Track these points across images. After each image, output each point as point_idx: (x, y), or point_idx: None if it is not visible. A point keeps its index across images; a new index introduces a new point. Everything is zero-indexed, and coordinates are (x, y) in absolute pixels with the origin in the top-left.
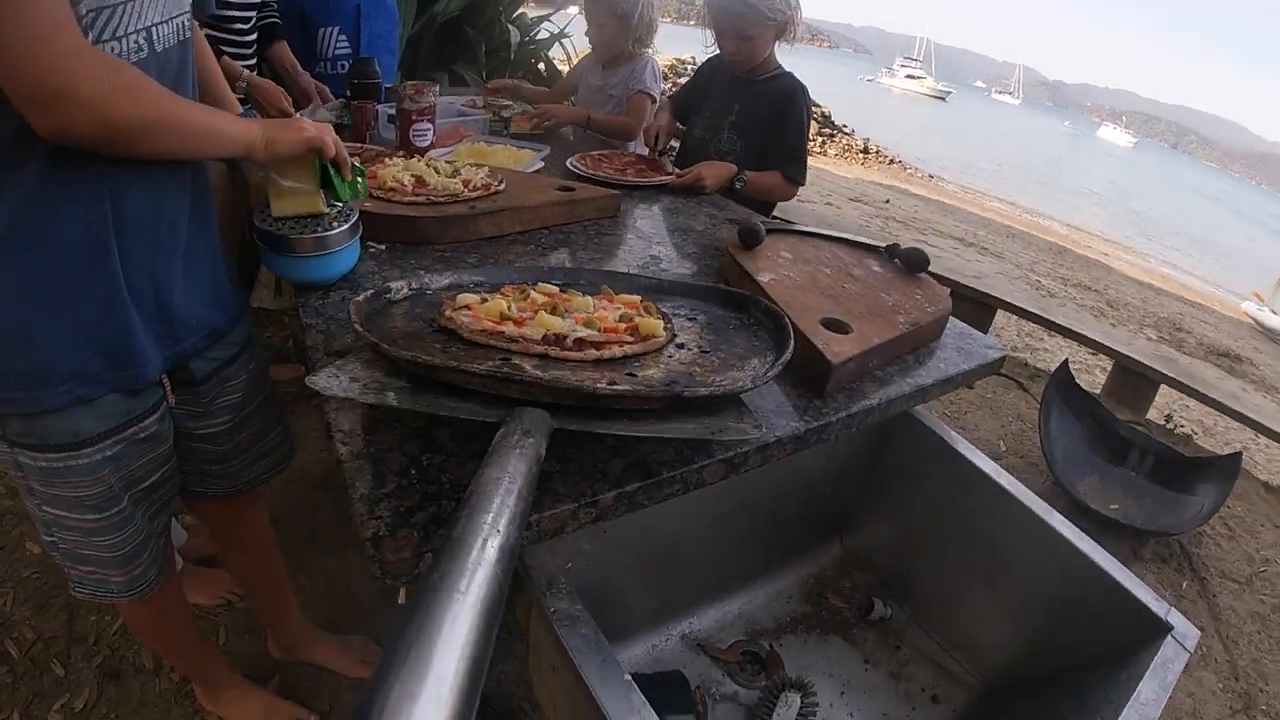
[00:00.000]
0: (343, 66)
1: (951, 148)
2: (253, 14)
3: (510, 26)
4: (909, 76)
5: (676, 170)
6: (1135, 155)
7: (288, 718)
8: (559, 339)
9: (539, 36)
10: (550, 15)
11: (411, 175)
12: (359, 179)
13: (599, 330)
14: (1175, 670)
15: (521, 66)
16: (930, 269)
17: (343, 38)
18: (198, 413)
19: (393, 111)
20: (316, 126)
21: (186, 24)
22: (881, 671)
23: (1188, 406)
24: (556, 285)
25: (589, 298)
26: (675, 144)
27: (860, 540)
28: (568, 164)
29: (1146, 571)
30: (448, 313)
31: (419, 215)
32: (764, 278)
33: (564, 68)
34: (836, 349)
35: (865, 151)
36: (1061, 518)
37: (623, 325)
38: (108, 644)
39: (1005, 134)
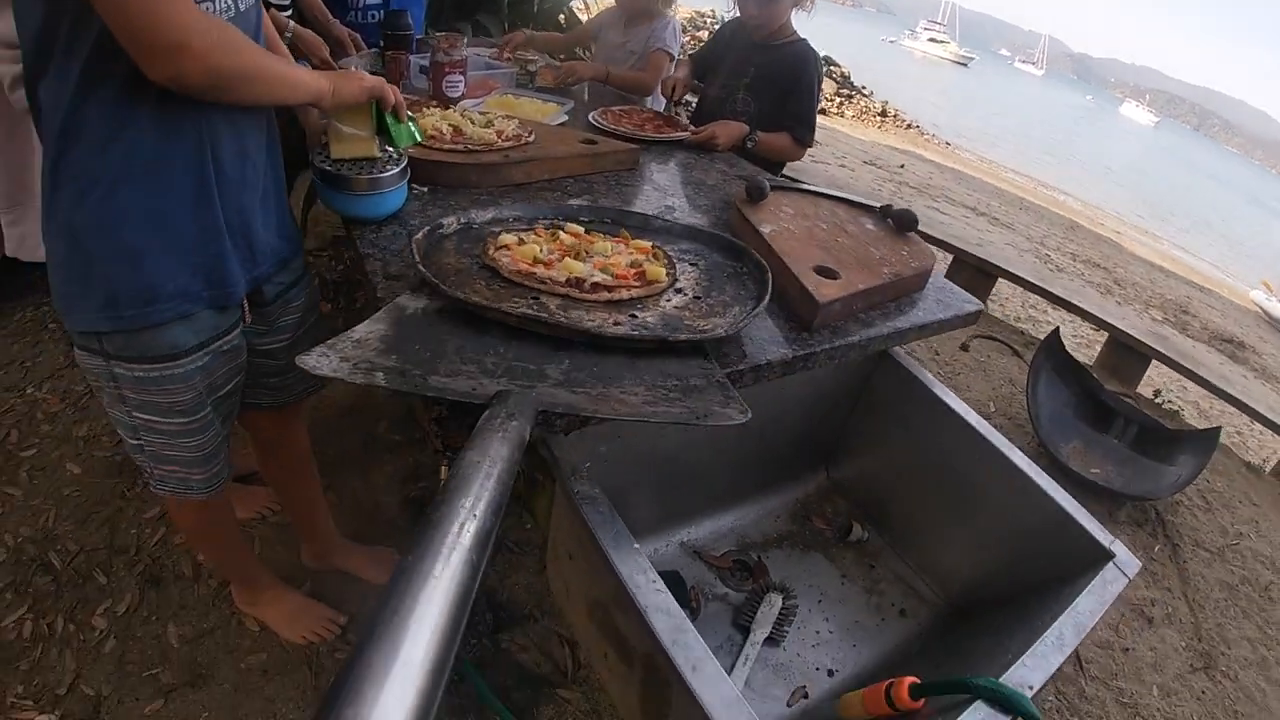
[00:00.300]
0: (373, 16)
1: (970, 115)
2: None
3: None
4: (931, 40)
5: (692, 128)
6: (1156, 135)
7: (319, 617)
8: (579, 282)
9: None
10: None
11: (449, 125)
12: (412, 124)
13: (612, 276)
14: (1114, 591)
15: (544, 18)
16: (937, 235)
17: None
18: (263, 330)
19: (425, 63)
20: (375, 79)
21: None
22: (857, 586)
23: (1185, 388)
24: (581, 225)
25: (608, 241)
26: (691, 100)
27: (844, 471)
28: (590, 118)
29: (1120, 533)
30: (490, 252)
31: (458, 162)
32: (765, 229)
33: (584, 18)
34: (824, 291)
35: (883, 114)
36: (1022, 455)
37: (632, 271)
38: (148, 554)
39: (1026, 104)
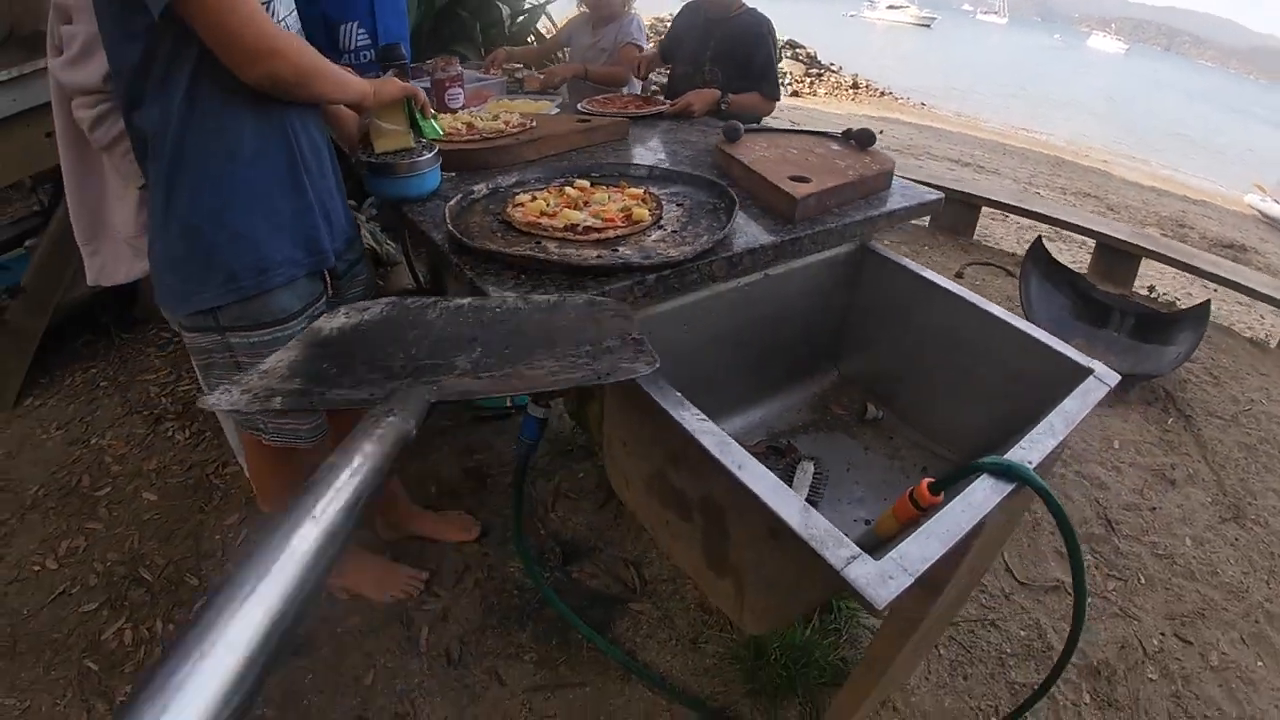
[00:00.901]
0: (364, 56)
1: (940, 74)
2: None
3: (501, 5)
4: (890, 7)
5: (669, 101)
6: (1128, 62)
7: (404, 576)
8: (574, 227)
9: (525, 7)
10: None
11: (463, 123)
12: (434, 121)
13: (601, 221)
14: (1095, 396)
15: (515, 40)
16: (917, 179)
17: (362, 31)
18: (334, 301)
19: (425, 85)
20: (405, 83)
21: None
22: (879, 454)
23: (1189, 292)
24: (588, 181)
25: (607, 192)
26: (658, 83)
27: (854, 365)
28: (578, 107)
29: (1132, 412)
30: (508, 209)
31: (477, 149)
32: (745, 158)
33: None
34: (801, 190)
35: (855, 87)
36: (1000, 308)
37: (621, 214)
38: (234, 556)
39: (994, 55)
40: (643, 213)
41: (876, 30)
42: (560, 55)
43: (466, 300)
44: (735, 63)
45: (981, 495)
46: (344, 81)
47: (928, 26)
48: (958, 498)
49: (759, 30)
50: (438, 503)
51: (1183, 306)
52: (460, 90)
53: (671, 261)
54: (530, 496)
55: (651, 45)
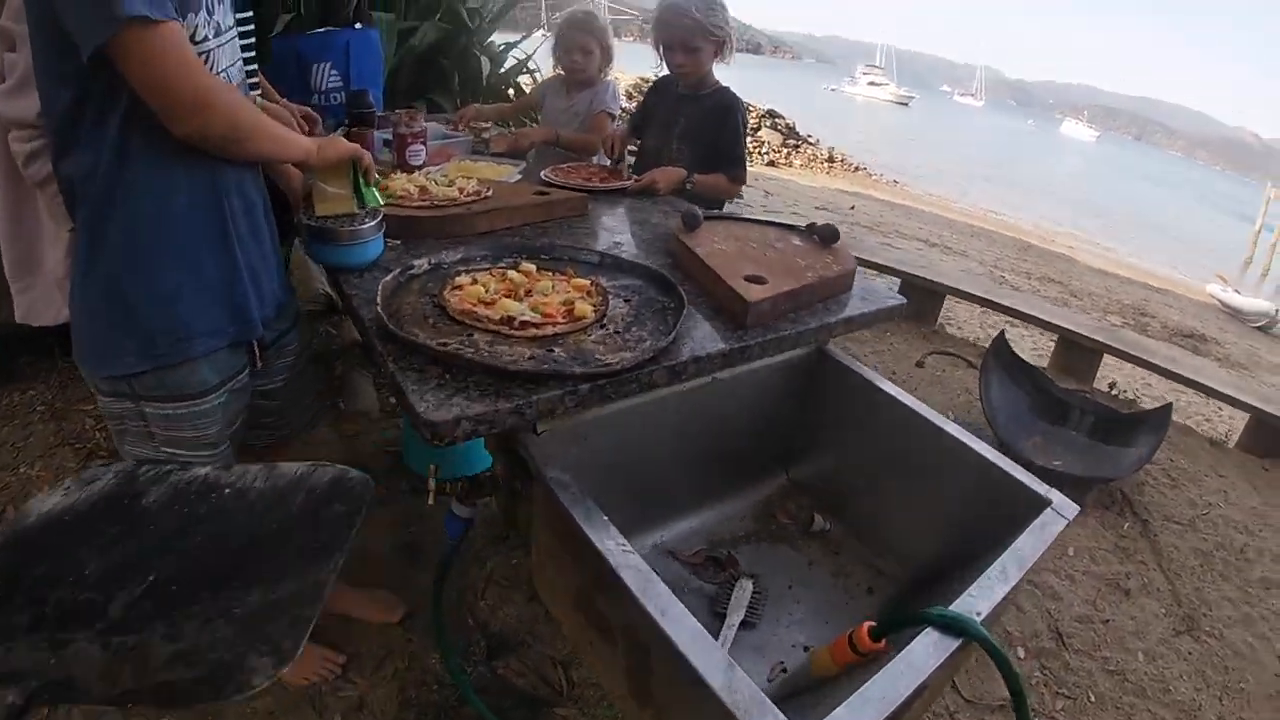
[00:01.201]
0: (334, 98)
1: (915, 153)
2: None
3: (481, 57)
4: (871, 84)
5: (635, 176)
6: (1099, 149)
7: (320, 658)
8: (509, 321)
9: (507, 65)
10: (519, 42)
11: (416, 186)
12: (376, 189)
13: (540, 315)
14: (1052, 531)
15: (492, 93)
16: (882, 262)
17: (334, 72)
18: (261, 372)
19: (388, 136)
20: (352, 143)
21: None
22: (824, 570)
23: (1142, 379)
24: (534, 265)
25: (549, 281)
26: (633, 157)
27: (803, 471)
28: (541, 175)
29: (1089, 517)
30: (444, 292)
31: (426, 216)
32: (700, 250)
33: (528, 90)
34: (755, 293)
35: (830, 160)
36: (957, 426)
37: (562, 308)
38: None
39: (969, 136)
40: (586, 309)
41: (856, 105)
42: (532, 115)
43: (202, 473)
44: (703, 142)
45: (924, 653)
46: (284, 139)
47: (906, 105)
48: (899, 656)
49: (729, 110)
50: (363, 579)
51: (1145, 405)
52: (423, 147)
53: (608, 370)
54: (460, 580)
55: (622, 118)
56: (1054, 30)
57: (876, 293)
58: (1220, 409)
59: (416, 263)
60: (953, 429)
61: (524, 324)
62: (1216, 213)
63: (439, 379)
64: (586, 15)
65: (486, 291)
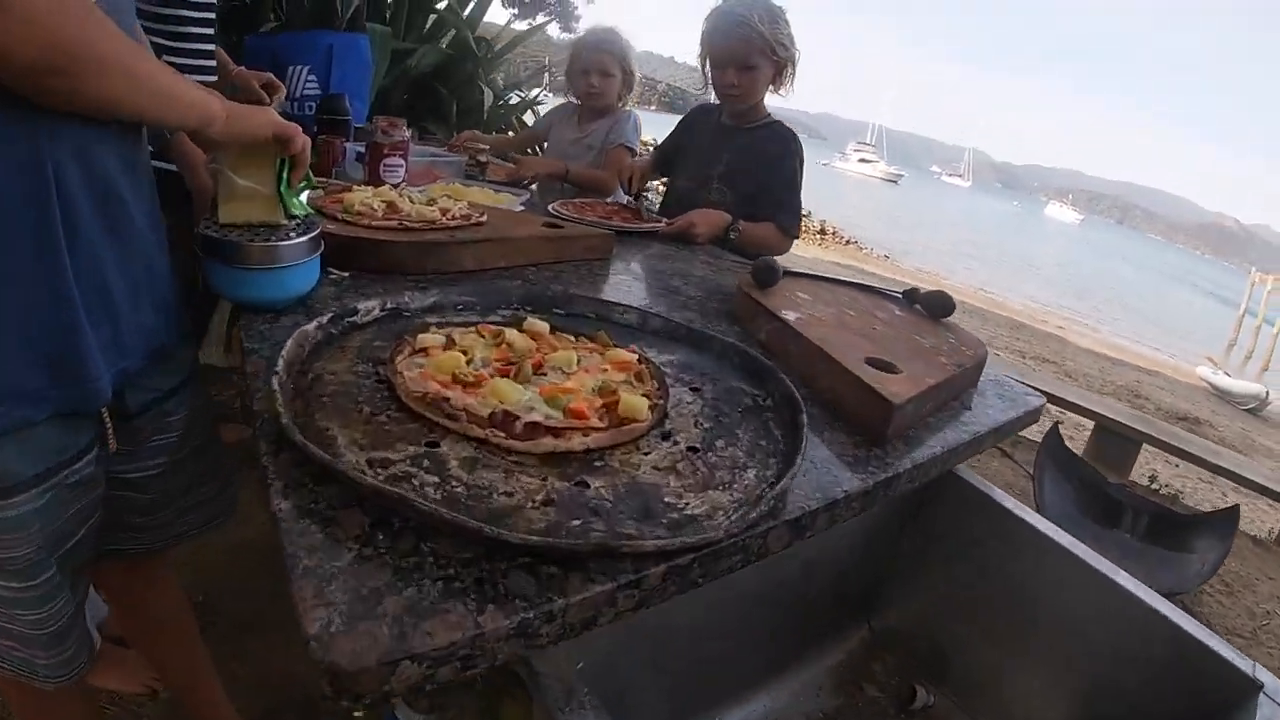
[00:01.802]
0: (310, 107)
1: (905, 229)
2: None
3: (484, 88)
4: (862, 160)
5: (664, 220)
6: (1083, 231)
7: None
8: (507, 419)
9: (511, 101)
10: (525, 90)
11: (381, 200)
12: (304, 186)
13: (561, 412)
14: None
15: (492, 128)
16: None
17: (312, 78)
18: (127, 452)
19: (361, 149)
20: (285, 122)
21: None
22: None
23: (1175, 465)
24: (545, 323)
25: (575, 348)
26: (650, 195)
27: (890, 620)
28: (549, 209)
29: None
30: (401, 358)
31: (391, 240)
32: (789, 315)
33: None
34: (894, 389)
35: (822, 232)
36: (1128, 576)
37: (598, 401)
38: None
39: (956, 215)
40: (637, 404)
41: (847, 180)
42: (537, 150)
43: None
44: (750, 184)
45: None
46: (162, 87)
47: (895, 183)
48: None
49: (785, 147)
50: (285, 711)
51: (1187, 499)
52: (403, 162)
53: (705, 542)
54: None
55: (644, 153)
56: (1040, 116)
57: (1011, 389)
58: (1255, 502)
59: (364, 306)
60: (1125, 579)
61: (534, 427)
62: (1197, 295)
63: (362, 544)
64: (608, 32)
65: (468, 363)
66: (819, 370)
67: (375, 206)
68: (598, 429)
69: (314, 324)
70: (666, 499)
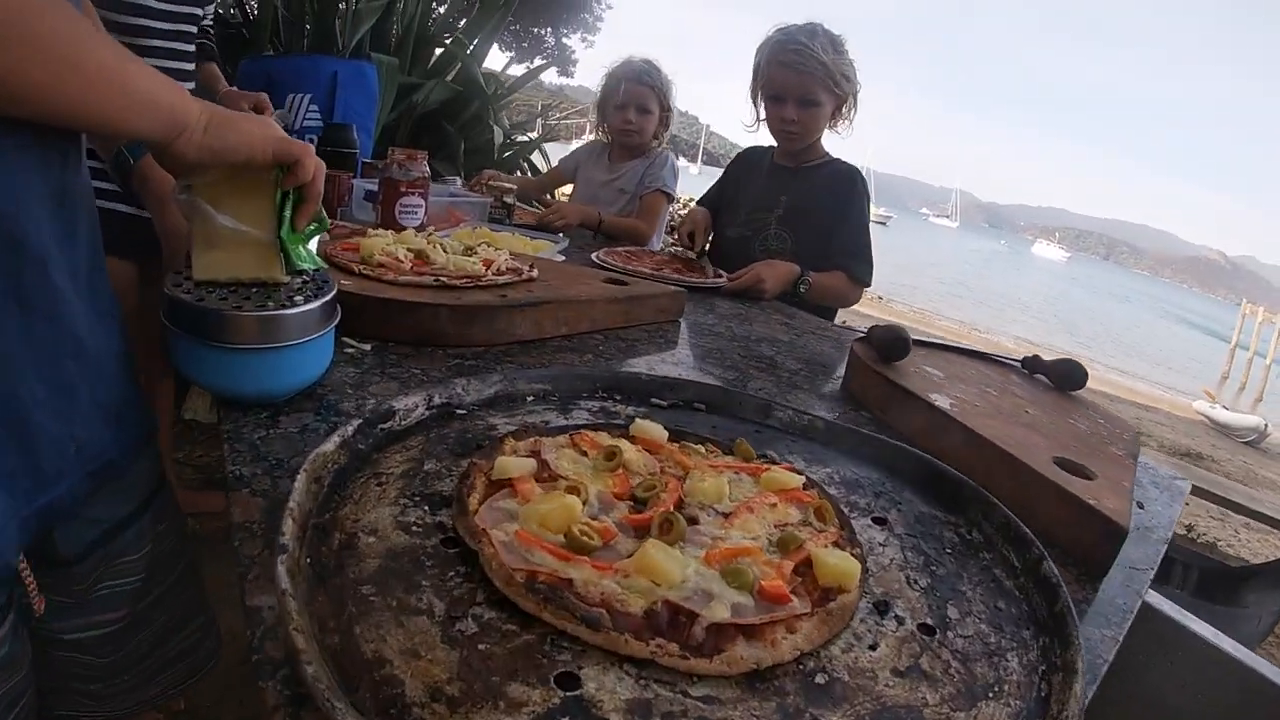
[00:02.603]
0: (308, 139)
1: (896, 269)
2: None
3: (494, 126)
4: None
5: (723, 273)
6: (1070, 269)
7: None
8: (676, 617)
9: (519, 138)
10: (527, 124)
11: (407, 249)
12: (313, 230)
13: (750, 593)
14: None
15: (503, 168)
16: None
17: (314, 108)
18: (67, 606)
19: (371, 187)
20: (290, 139)
21: None
22: None
23: (1209, 517)
24: (660, 426)
25: (713, 467)
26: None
27: None
28: (593, 258)
29: None
30: (472, 501)
31: (427, 302)
32: (940, 401)
33: (545, 168)
34: (1111, 504)
35: None
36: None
37: (786, 564)
38: None
39: (946, 255)
40: (844, 566)
41: None
42: (562, 195)
43: None
44: (812, 228)
45: None
46: (113, 74)
47: (884, 224)
48: None
49: (851, 186)
50: None
51: (1226, 549)
52: (422, 202)
53: None
54: None
55: (689, 201)
56: (1023, 157)
57: (1155, 473)
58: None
59: (402, 405)
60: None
61: (721, 631)
62: (1186, 329)
63: None
64: (648, 64)
65: (587, 500)
66: (995, 476)
67: (400, 256)
68: (802, 615)
69: (335, 439)
70: None
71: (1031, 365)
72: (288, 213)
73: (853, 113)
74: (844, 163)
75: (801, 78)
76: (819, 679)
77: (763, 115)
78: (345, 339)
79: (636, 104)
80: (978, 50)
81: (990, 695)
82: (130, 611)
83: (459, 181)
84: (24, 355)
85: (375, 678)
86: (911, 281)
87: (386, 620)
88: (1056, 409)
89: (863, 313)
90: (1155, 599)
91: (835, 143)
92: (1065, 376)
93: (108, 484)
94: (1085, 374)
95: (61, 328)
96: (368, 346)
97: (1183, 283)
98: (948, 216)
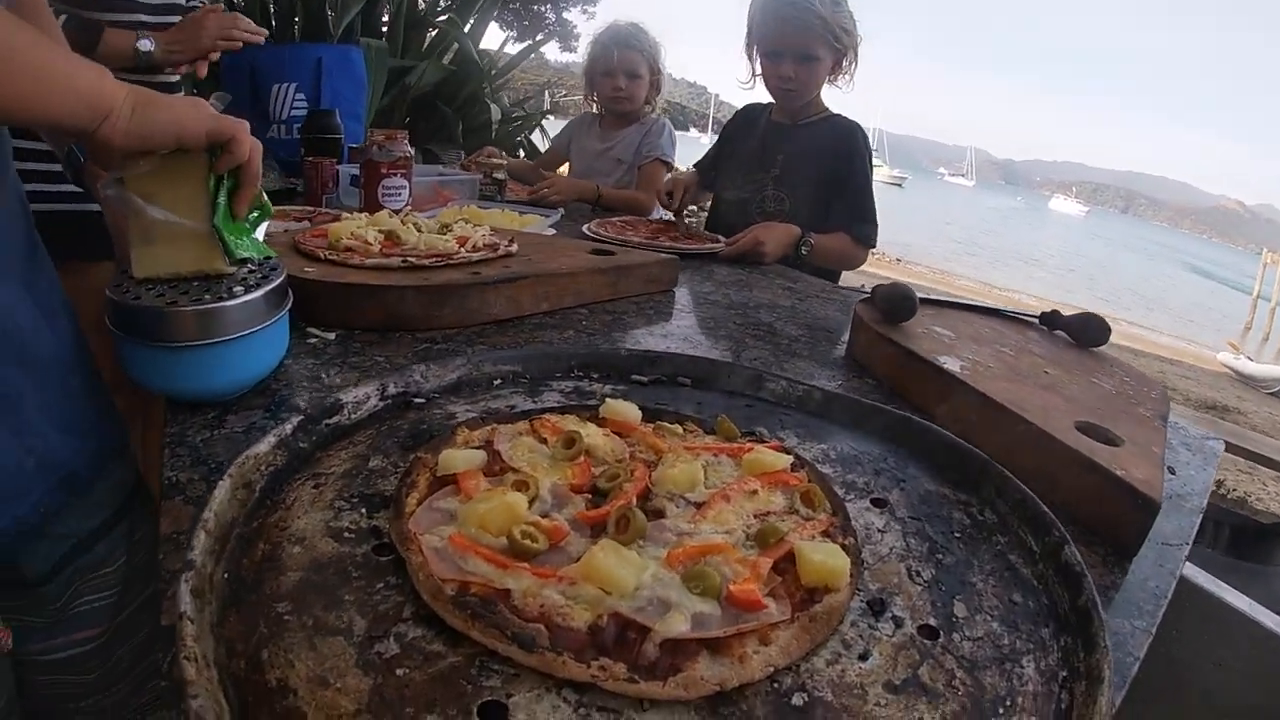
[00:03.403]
0: (297, 130)
1: (913, 230)
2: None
3: (491, 104)
4: None
5: (720, 238)
6: (1088, 223)
7: None
8: (625, 632)
9: (517, 114)
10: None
11: (378, 231)
12: (257, 217)
13: (717, 600)
14: None
15: (501, 147)
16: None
17: (300, 96)
18: (40, 626)
19: (355, 172)
20: (226, 117)
21: None
22: None
23: (1239, 472)
24: (634, 407)
25: (695, 461)
26: (695, 210)
27: None
28: (584, 230)
29: None
30: (410, 502)
31: (393, 284)
32: (950, 364)
33: (545, 147)
34: (1140, 474)
35: None
36: None
37: (763, 561)
38: None
39: (963, 213)
40: (831, 564)
41: None
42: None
43: None
44: (811, 187)
45: None
46: (31, 58)
47: (900, 185)
48: None
49: (851, 142)
50: None
51: (1256, 503)
52: (405, 183)
53: None
54: None
55: (687, 168)
56: (1037, 112)
57: (1186, 433)
58: None
59: (350, 397)
60: None
61: (677, 648)
62: (1207, 279)
63: None
64: (633, 27)
65: (531, 503)
66: (1011, 446)
67: (370, 238)
68: (780, 622)
69: (270, 438)
70: None
71: (1050, 321)
72: (223, 199)
73: (853, 67)
74: (843, 118)
75: (799, 32)
76: (796, 700)
77: (758, 71)
78: (310, 329)
79: (625, 69)
80: (988, 6)
81: (1001, 712)
82: (109, 625)
83: (462, 158)
84: None
85: (276, 710)
86: (930, 241)
87: (299, 642)
88: (1078, 367)
89: (879, 274)
90: (1188, 569)
91: (843, 102)
92: (1086, 331)
93: (74, 495)
94: (1108, 328)
95: (3, 338)
96: (332, 335)
97: (1202, 233)
98: (963, 175)
